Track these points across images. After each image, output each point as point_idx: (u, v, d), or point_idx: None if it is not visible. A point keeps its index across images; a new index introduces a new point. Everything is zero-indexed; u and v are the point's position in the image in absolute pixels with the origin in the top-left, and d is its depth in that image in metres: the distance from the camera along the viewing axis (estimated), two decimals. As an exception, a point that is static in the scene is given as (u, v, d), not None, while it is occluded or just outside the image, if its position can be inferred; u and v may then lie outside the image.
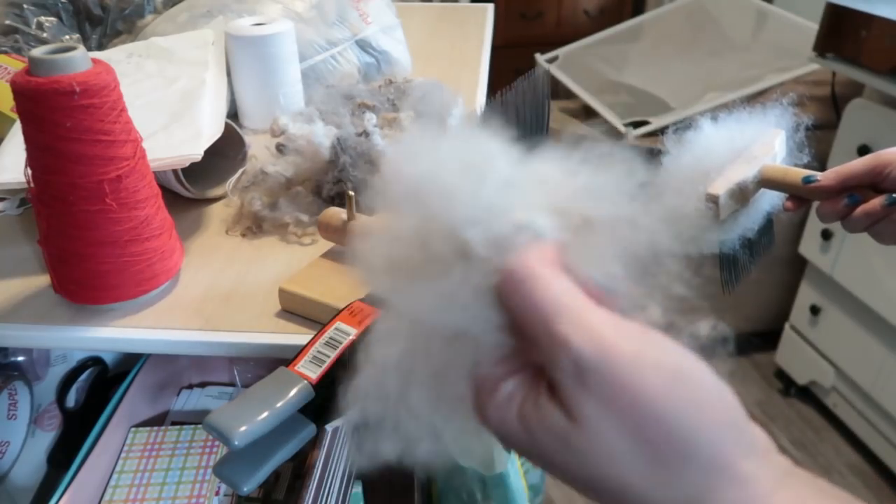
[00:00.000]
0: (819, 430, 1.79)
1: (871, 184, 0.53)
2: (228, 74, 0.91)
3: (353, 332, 0.46)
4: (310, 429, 0.43)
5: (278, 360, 0.47)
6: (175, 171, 0.70)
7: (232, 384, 0.77)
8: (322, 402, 0.43)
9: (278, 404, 0.41)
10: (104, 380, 0.78)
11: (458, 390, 0.30)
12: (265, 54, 0.89)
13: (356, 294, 0.50)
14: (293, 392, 0.42)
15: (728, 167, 0.54)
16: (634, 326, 0.27)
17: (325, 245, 0.65)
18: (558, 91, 2.05)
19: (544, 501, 1.46)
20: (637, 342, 0.26)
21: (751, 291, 1.89)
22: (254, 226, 0.71)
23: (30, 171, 0.54)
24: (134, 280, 0.58)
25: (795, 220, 1.76)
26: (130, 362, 0.76)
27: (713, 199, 0.52)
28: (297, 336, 0.56)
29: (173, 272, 0.61)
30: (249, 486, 0.40)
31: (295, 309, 0.58)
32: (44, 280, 0.63)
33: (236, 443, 0.39)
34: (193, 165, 0.65)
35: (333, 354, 0.45)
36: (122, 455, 0.66)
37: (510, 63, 2.10)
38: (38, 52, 0.50)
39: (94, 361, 0.77)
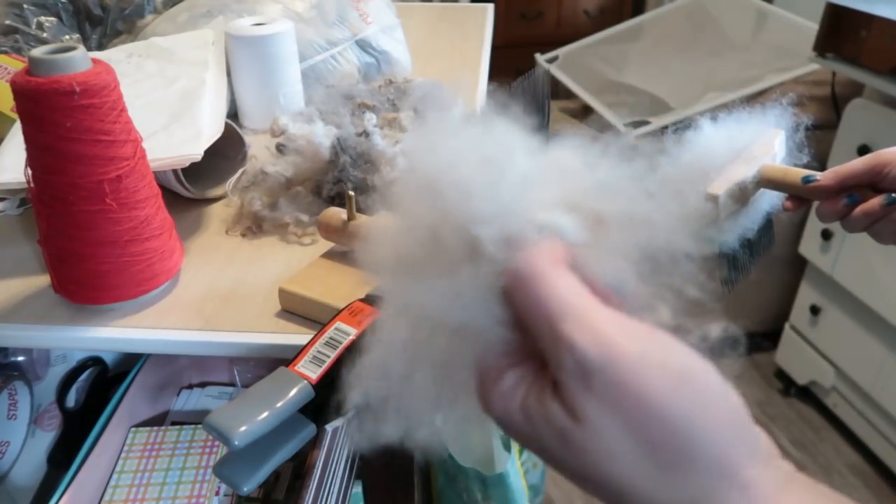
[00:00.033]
0: (819, 430, 1.79)
1: (871, 183, 0.53)
2: (228, 74, 0.91)
3: (353, 332, 0.46)
4: (310, 429, 0.43)
5: (278, 360, 0.47)
6: (175, 171, 0.70)
7: (232, 384, 0.77)
8: (322, 402, 0.43)
9: (278, 404, 0.41)
10: (104, 380, 0.78)
11: (463, 377, 0.30)
12: (265, 54, 0.89)
13: (356, 294, 0.50)
14: (293, 392, 0.42)
15: (728, 167, 0.54)
16: (640, 326, 0.27)
17: (325, 245, 0.65)
18: (558, 91, 2.05)
19: (544, 501, 1.46)
20: (642, 342, 0.26)
21: (751, 291, 1.89)
22: (254, 226, 0.71)
23: (30, 171, 0.54)
24: (134, 280, 0.58)
25: (795, 220, 1.75)
26: (130, 362, 0.76)
27: (713, 199, 0.52)
28: (297, 336, 0.56)
29: (173, 272, 0.61)
30: (249, 486, 0.40)
31: (295, 309, 0.58)
32: (44, 280, 0.63)
33: (236, 443, 0.39)
34: (193, 165, 0.65)
35: (333, 354, 0.45)
36: (122, 455, 0.66)
37: (510, 63, 2.10)
38: (38, 52, 0.50)
39: (94, 361, 0.77)
